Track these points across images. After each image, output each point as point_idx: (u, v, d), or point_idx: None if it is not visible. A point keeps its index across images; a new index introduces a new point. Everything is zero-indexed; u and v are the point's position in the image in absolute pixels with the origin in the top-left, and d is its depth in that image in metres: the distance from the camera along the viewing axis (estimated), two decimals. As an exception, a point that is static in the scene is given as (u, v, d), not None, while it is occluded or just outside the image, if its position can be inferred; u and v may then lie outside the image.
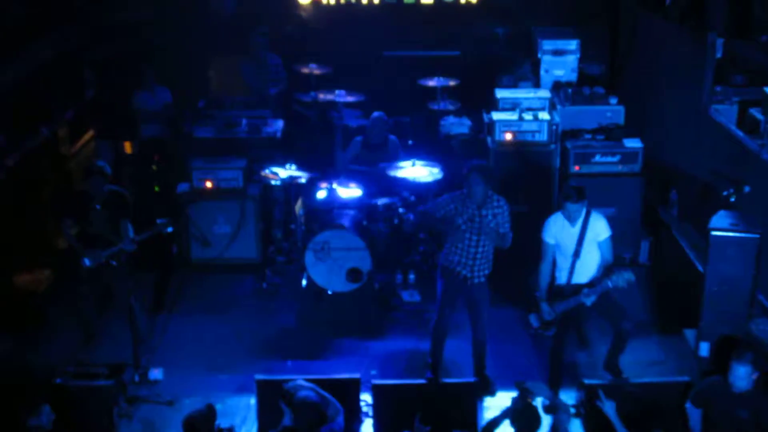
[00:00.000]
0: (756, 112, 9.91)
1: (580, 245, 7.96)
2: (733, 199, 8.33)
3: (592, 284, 7.90)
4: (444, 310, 8.61)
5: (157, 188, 11.46)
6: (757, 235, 7.65)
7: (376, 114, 11.08)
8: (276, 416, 7.09)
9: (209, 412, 6.87)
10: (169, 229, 8.87)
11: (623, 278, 7.67)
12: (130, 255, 8.83)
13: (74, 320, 9.34)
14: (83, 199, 8.78)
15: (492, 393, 8.51)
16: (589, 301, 7.80)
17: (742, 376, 6.57)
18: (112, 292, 9.08)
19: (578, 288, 7.91)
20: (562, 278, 8.15)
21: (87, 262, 8.59)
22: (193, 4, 11.89)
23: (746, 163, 8.83)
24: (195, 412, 6.86)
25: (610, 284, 7.69)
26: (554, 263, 8.15)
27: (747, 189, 8.38)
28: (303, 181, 10.59)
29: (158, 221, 8.65)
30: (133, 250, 8.72)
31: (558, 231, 8.07)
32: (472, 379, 8.19)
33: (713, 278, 7.81)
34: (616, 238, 8.55)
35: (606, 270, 7.93)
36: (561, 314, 8.11)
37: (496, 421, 7.18)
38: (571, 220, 7.95)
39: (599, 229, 7.98)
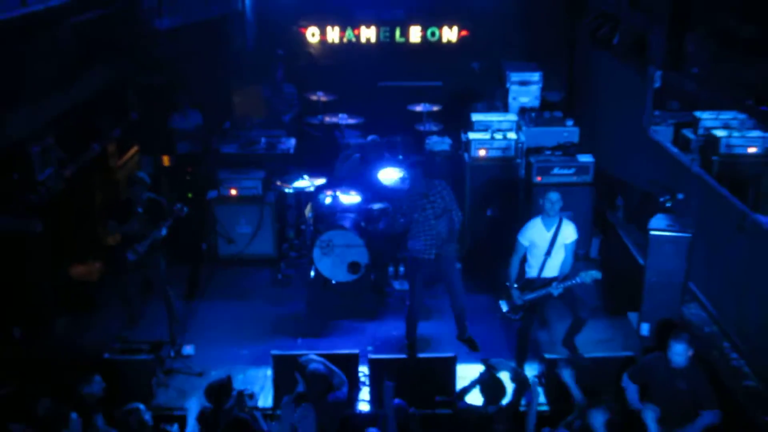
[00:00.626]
0: (687, 132, 9.84)
1: (552, 246, 7.90)
2: (668, 205, 8.26)
3: (564, 279, 7.82)
4: (416, 296, 8.60)
5: (190, 195, 11.30)
6: (689, 235, 7.55)
7: (370, 137, 10.99)
8: (289, 385, 7.01)
9: (227, 382, 6.85)
10: (185, 210, 8.62)
11: (590, 276, 7.67)
12: (167, 250, 8.77)
13: (120, 305, 9.12)
14: (127, 204, 8.65)
15: (477, 350, 8.49)
16: (556, 292, 7.75)
17: (679, 352, 6.48)
18: (152, 281, 8.85)
19: (548, 281, 7.84)
20: (533, 273, 8.03)
21: (130, 256, 8.47)
22: (220, 42, 11.78)
23: (679, 175, 8.74)
24: (214, 381, 6.89)
25: (578, 280, 7.68)
26: (523, 258, 8.05)
27: (680, 196, 8.32)
28: (311, 189, 10.51)
29: (175, 206, 8.55)
30: (164, 236, 8.57)
31: (534, 234, 7.98)
32: (450, 354, 7.94)
33: (652, 270, 7.70)
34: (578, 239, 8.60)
35: (575, 267, 7.89)
36: (529, 302, 8.01)
37: (466, 390, 7.18)
38: (547, 226, 7.89)
39: (569, 233, 7.96)
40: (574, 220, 9.40)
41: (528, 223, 8.13)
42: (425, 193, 8.32)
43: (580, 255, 10.59)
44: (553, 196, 7.95)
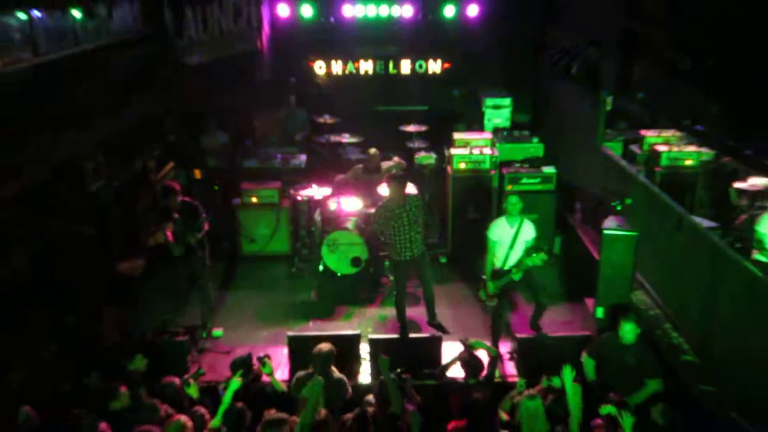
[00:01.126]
0: (634, 147, 9.84)
1: (515, 241, 7.97)
2: (619, 208, 8.27)
3: (518, 264, 7.88)
4: (401, 290, 8.55)
5: (218, 202, 11.24)
6: (636, 234, 7.50)
7: (372, 149, 10.85)
8: (303, 361, 6.99)
9: (248, 358, 6.95)
10: (207, 215, 8.75)
11: (539, 258, 7.76)
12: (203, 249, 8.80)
13: (159, 295, 9.21)
14: (166, 210, 8.66)
15: (446, 332, 8.43)
16: (517, 276, 7.82)
17: (628, 330, 6.51)
18: (196, 274, 8.89)
19: (511, 269, 7.90)
20: (500, 264, 8.09)
21: (175, 252, 8.56)
22: (242, 74, 11.79)
23: (628, 183, 8.73)
24: (237, 357, 7.00)
25: (529, 263, 7.77)
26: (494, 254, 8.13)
27: (629, 201, 8.32)
28: (319, 197, 10.47)
29: (203, 215, 8.66)
30: (200, 238, 8.66)
31: (499, 231, 8.07)
32: (436, 334, 8.07)
33: (605, 263, 7.64)
34: (538, 234, 8.59)
35: (526, 252, 7.94)
36: (500, 289, 8.04)
37: (449, 365, 7.14)
38: (510, 224, 7.98)
39: (529, 232, 8.05)
40: (539, 221, 9.55)
41: (494, 222, 8.24)
42: (403, 205, 8.21)
43: (544, 250, 10.63)
44: (513, 198, 8.11)
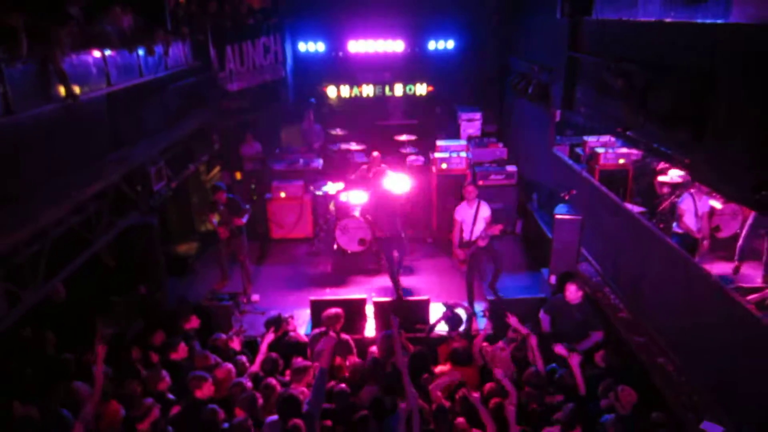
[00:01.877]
0: (579, 149, 9.70)
1: (475, 218, 8.27)
2: (567, 198, 8.12)
3: (480, 234, 8.17)
4: (390, 262, 8.70)
5: (254, 197, 11.19)
6: (580, 217, 7.44)
7: (374, 153, 10.77)
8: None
9: (278, 317, 6.90)
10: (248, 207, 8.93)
11: (497, 228, 8.13)
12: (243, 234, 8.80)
13: (209, 269, 9.13)
14: (214, 203, 8.68)
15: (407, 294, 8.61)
16: (483, 242, 8.12)
17: (572, 291, 6.47)
18: (237, 253, 8.87)
19: (476, 240, 8.20)
20: (466, 236, 8.34)
21: (221, 236, 8.57)
22: (271, 96, 11.70)
23: (574, 178, 8.56)
24: (270, 317, 6.95)
25: (489, 232, 8.09)
26: (461, 229, 8.36)
27: (575, 191, 8.16)
28: (333, 192, 10.39)
29: (245, 207, 8.85)
30: (245, 223, 8.80)
31: (463, 212, 8.34)
32: (425, 297, 7.93)
33: (557, 241, 7.59)
34: (502, 219, 9.10)
35: (486, 227, 8.20)
36: (469, 257, 8.31)
37: (435, 323, 7.08)
38: (470, 207, 8.31)
39: (485, 211, 8.33)
40: (504, 208, 9.97)
41: (458, 206, 8.43)
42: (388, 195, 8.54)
43: (508, 230, 10.58)
44: (469, 187, 8.40)
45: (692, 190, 7.74)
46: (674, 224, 7.94)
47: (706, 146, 4.88)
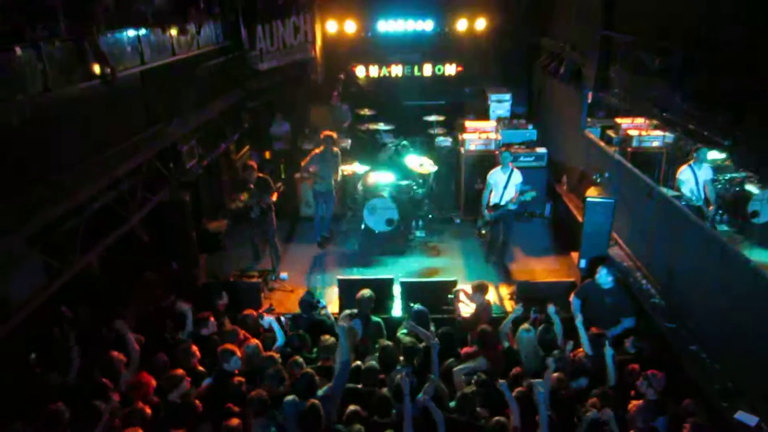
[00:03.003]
0: (611, 132, 9.45)
1: (507, 183, 8.53)
2: (598, 181, 7.92)
3: (513, 199, 8.43)
4: None
5: (284, 176, 11.11)
6: (613, 200, 7.22)
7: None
8: (349, 299, 6.96)
9: (308, 296, 6.85)
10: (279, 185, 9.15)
11: (530, 195, 8.45)
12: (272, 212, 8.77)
13: (240, 247, 9.15)
14: (244, 182, 8.64)
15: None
16: (513, 206, 8.49)
17: (604, 275, 6.32)
18: (267, 232, 8.88)
19: (505, 204, 8.53)
20: (497, 200, 8.58)
21: (252, 215, 8.58)
22: (301, 76, 11.59)
23: (605, 161, 8.34)
24: (305, 294, 6.87)
25: (523, 198, 8.44)
26: (491, 193, 8.68)
27: (607, 175, 7.98)
28: (362, 172, 10.32)
29: (277, 185, 9.00)
30: (274, 202, 8.79)
31: (496, 177, 8.65)
32: (452, 279, 7.78)
33: (588, 224, 7.34)
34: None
35: (520, 193, 8.49)
36: (494, 218, 8.63)
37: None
38: (504, 172, 8.59)
39: (517, 177, 8.62)
40: (533, 191, 9.37)
41: (492, 171, 8.74)
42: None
43: (537, 214, 10.43)
44: (506, 153, 8.66)
45: (691, 162, 7.86)
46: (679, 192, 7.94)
47: (747, 127, 4.69)
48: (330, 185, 9.28)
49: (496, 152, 10.33)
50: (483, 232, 9.07)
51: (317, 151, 9.36)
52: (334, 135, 9.52)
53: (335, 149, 9.37)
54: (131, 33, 6.39)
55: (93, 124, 5.56)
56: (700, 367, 5.24)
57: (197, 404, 5.17)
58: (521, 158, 10.19)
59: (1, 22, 4.53)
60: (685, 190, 7.85)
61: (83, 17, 5.34)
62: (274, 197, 8.77)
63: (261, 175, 8.80)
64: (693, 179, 7.84)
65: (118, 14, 6.36)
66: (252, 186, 8.59)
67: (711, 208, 7.86)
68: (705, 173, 7.87)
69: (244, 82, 9.53)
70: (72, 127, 5.27)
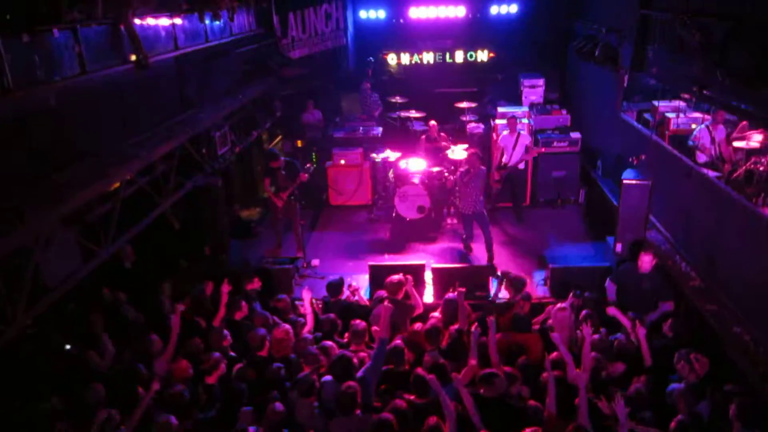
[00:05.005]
0: (647, 115, 9.17)
1: (515, 145, 9.50)
2: (635, 162, 7.70)
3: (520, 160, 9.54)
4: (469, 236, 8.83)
5: (315, 164, 11.15)
6: (649, 182, 7.00)
7: (432, 122, 10.62)
8: (379, 284, 6.86)
9: (340, 281, 6.92)
10: (312, 168, 9.09)
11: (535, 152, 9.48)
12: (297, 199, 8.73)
13: (273, 236, 9.17)
14: (270, 169, 8.71)
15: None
16: (522, 165, 9.65)
17: (647, 261, 6.15)
18: (292, 219, 8.87)
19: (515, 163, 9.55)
20: (506, 159, 9.57)
21: (277, 203, 8.55)
22: (333, 64, 11.65)
23: (642, 143, 8.08)
24: (332, 280, 6.98)
25: (531, 155, 9.50)
26: (502, 154, 9.60)
27: (643, 157, 7.73)
28: (392, 159, 10.27)
29: (306, 166, 9.05)
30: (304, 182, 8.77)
31: (506, 140, 9.62)
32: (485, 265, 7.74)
33: (624, 207, 7.13)
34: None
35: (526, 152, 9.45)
36: (503, 176, 9.65)
37: (498, 288, 6.99)
38: (512, 135, 9.53)
39: (525, 139, 9.54)
40: (566, 177, 10.03)
41: (502, 134, 9.66)
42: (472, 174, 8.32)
43: (572, 200, 10.23)
44: (511, 120, 9.50)
45: (707, 123, 8.00)
46: (698, 155, 8.04)
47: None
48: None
49: (530, 137, 10.18)
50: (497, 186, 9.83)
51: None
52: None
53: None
54: (166, 19, 6.47)
55: (128, 107, 5.64)
56: (742, 350, 5.04)
57: (243, 387, 5.19)
58: (555, 143, 10.01)
59: (41, 4, 4.61)
60: (700, 147, 7.98)
61: (118, 1, 5.42)
62: (305, 177, 8.71)
63: (288, 159, 8.84)
64: (708, 138, 7.95)
65: (154, 0, 6.45)
66: (283, 172, 8.60)
67: (726, 166, 7.82)
68: (719, 133, 8.00)
69: (277, 70, 9.55)
70: (107, 110, 5.35)
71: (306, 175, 8.67)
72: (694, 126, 8.66)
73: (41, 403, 4.89)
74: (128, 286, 6.75)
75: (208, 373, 5.35)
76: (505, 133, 9.60)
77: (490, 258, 8.43)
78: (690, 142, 8.09)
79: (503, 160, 9.60)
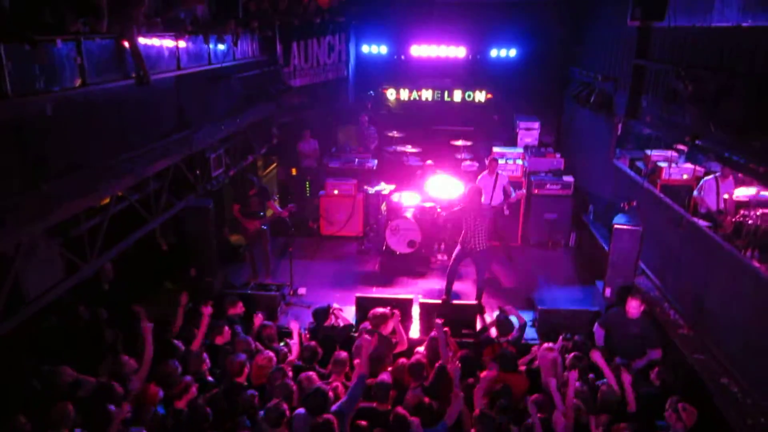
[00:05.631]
0: (640, 164, 9.28)
1: (494, 186, 9.50)
2: (626, 208, 7.76)
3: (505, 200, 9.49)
4: (455, 268, 8.27)
5: (308, 193, 11.14)
6: (640, 228, 7.06)
7: (428, 162, 10.65)
8: (365, 317, 6.75)
9: (327, 308, 6.92)
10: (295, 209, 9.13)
11: (521, 193, 9.57)
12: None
13: (260, 262, 9.10)
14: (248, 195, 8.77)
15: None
16: (508, 211, 9.65)
17: (634, 306, 6.10)
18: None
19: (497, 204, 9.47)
20: (486, 201, 9.14)
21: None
22: (332, 95, 11.75)
23: (634, 190, 8.23)
24: (318, 307, 7.03)
25: (516, 198, 9.46)
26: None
27: (635, 203, 7.80)
28: (386, 192, 10.32)
29: (288, 206, 9.03)
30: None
31: (484, 181, 9.51)
32: (473, 302, 7.77)
33: (614, 252, 7.19)
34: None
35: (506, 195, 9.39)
36: None
37: (488, 326, 6.80)
38: (490, 176, 9.54)
39: (503, 180, 9.59)
40: (557, 220, 10.05)
41: (480, 175, 9.67)
42: (475, 210, 7.94)
43: (561, 243, 10.24)
44: (492, 160, 9.61)
45: (717, 174, 7.95)
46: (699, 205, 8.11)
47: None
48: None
49: (523, 179, 10.25)
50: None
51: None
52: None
53: None
54: (170, 39, 6.52)
55: (125, 122, 5.60)
56: (730, 401, 4.98)
57: (207, 411, 5.05)
58: (548, 186, 10.07)
59: (47, 14, 4.63)
60: (707, 197, 7.94)
61: (124, 17, 5.45)
62: (285, 214, 8.82)
63: (261, 186, 8.93)
64: (715, 190, 7.90)
65: (159, 19, 6.52)
66: (254, 196, 8.58)
67: (729, 219, 7.64)
68: (727, 186, 7.91)
69: (277, 97, 9.61)
70: (104, 124, 5.31)
71: (286, 212, 8.78)
72: (685, 176, 8.78)
73: (6, 421, 4.71)
74: (110, 304, 6.61)
75: (178, 397, 5.21)
76: (485, 173, 9.63)
77: (479, 296, 8.33)
78: (695, 192, 8.11)
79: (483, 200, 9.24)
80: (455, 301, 7.97)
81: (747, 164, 5.25)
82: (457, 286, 8.81)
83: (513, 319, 6.62)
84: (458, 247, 8.10)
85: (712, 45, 6.07)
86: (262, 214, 8.60)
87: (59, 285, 4.81)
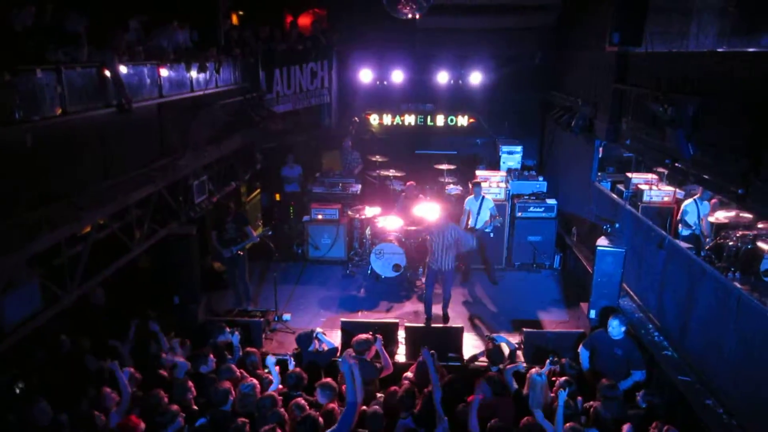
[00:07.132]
0: (621, 187, 9.38)
1: (479, 210, 9.59)
2: (609, 230, 7.81)
3: (486, 223, 9.51)
4: (428, 289, 8.49)
5: (293, 219, 11.12)
6: (623, 250, 7.09)
7: (410, 182, 10.74)
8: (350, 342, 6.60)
9: (310, 333, 6.77)
10: (270, 233, 9.45)
11: (498, 220, 9.53)
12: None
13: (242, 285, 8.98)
14: (242, 218, 8.76)
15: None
16: (488, 229, 9.61)
17: (615, 326, 6.12)
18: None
19: (479, 228, 9.53)
20: (472, 223, 9.56)
21: (225, 254, 8.59)
22: (315, 121, 11.80)
23: (617, 212, 8.29)
24: (302, 333, 6.85)
25: (492, 225, 9.51)
26: (468, 217, 9.71)
27: (617, 225, 7.87)
28: (370, 216, 10.33)
29: (264, 229, 9.13)
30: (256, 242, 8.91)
31: (470, 204, 9.71)
32: (459, 326, 7.65)
33: (598, 274, 7.19)
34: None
35: (491, 217, 9.46)
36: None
37: (476, 356, 6.76)
38: (476, 200, 9.62)
39: (488, 203, 9.69)
40: (541, 243, 10.05)
41: (467, 198, 9.78)
42: (443, 231, 8.16)
43: (546, 265, 10.28)
44: (477, 185, 9.69)
45: (696, 197, 8.13)
46: (680, 228, 8.28)
47: (763, 176, 4.61)
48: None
49: (506, 202, 10.32)
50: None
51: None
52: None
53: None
54: (152, 66, 6.53)
55: (107, 150, 5.59)
56: (716, 422, 4.98)
57: None
58: (531, 208, 10.15)
59: (26, 44, 4.62)
60: (689, 219, 8.11)
61: (105, 46, 5.45)
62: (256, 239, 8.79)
63: (240, 213, 8.88)
64: (696, 212, 8.08)
65: (141, 47, 6.53)
66: (231, 222, 8.53)
67: (707, 239, 7.99)
68: (705, 208, 8.15)
69: (260, 123, 9.64)
70: (85, 152, 5.29)
71: (264, 238, 8.78)
72: (666, 198, 8.90)
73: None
74: (93, 334, 6.49)
75: (164, 427, 5.09)
76: (471, 197, 9.71)
77: (445, 318, 8.48)
78: (679, 215, 8.28)
79: (469, 223, 9.62)
80: (438, 325, 7.95)
81: (726, 186, 5.33)
82: (440, 309, 8.82)
83: (504, 347, 6.59)
84: (427, 270, 8.42)
85: (690, 69, 6.19)
86: (239, 240, 8.51)
87: (39, 315, 4.73)
